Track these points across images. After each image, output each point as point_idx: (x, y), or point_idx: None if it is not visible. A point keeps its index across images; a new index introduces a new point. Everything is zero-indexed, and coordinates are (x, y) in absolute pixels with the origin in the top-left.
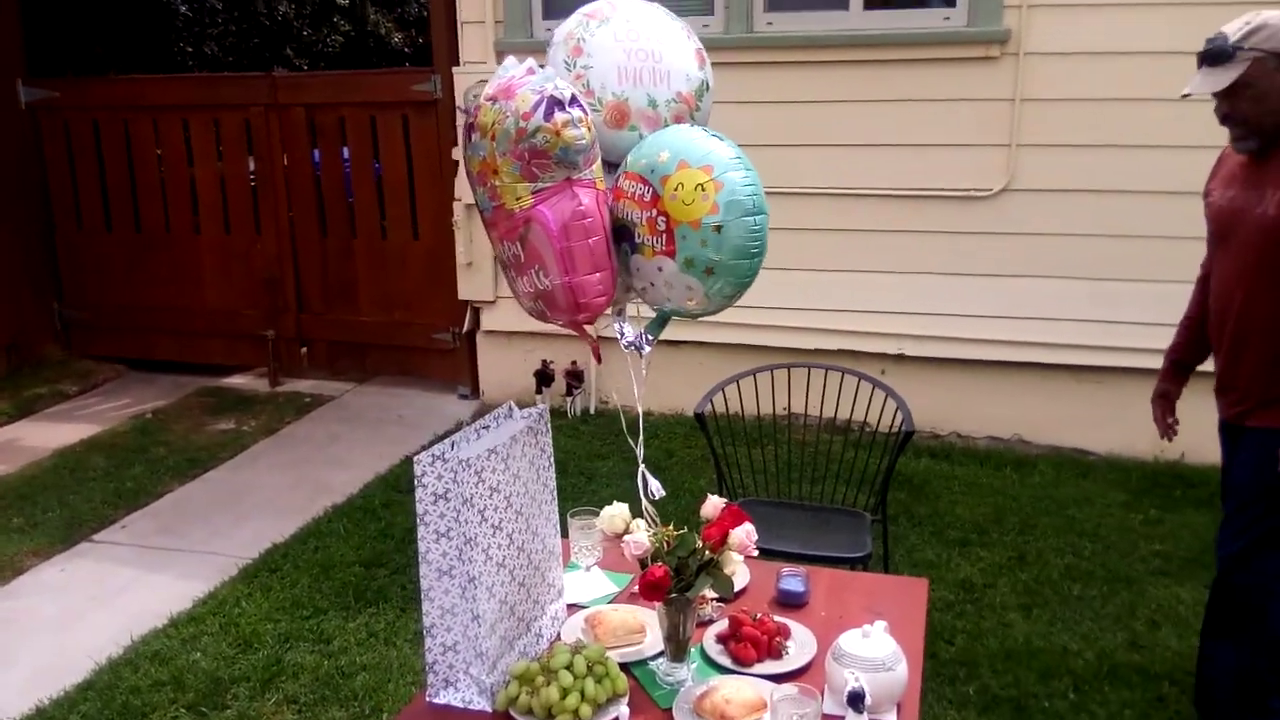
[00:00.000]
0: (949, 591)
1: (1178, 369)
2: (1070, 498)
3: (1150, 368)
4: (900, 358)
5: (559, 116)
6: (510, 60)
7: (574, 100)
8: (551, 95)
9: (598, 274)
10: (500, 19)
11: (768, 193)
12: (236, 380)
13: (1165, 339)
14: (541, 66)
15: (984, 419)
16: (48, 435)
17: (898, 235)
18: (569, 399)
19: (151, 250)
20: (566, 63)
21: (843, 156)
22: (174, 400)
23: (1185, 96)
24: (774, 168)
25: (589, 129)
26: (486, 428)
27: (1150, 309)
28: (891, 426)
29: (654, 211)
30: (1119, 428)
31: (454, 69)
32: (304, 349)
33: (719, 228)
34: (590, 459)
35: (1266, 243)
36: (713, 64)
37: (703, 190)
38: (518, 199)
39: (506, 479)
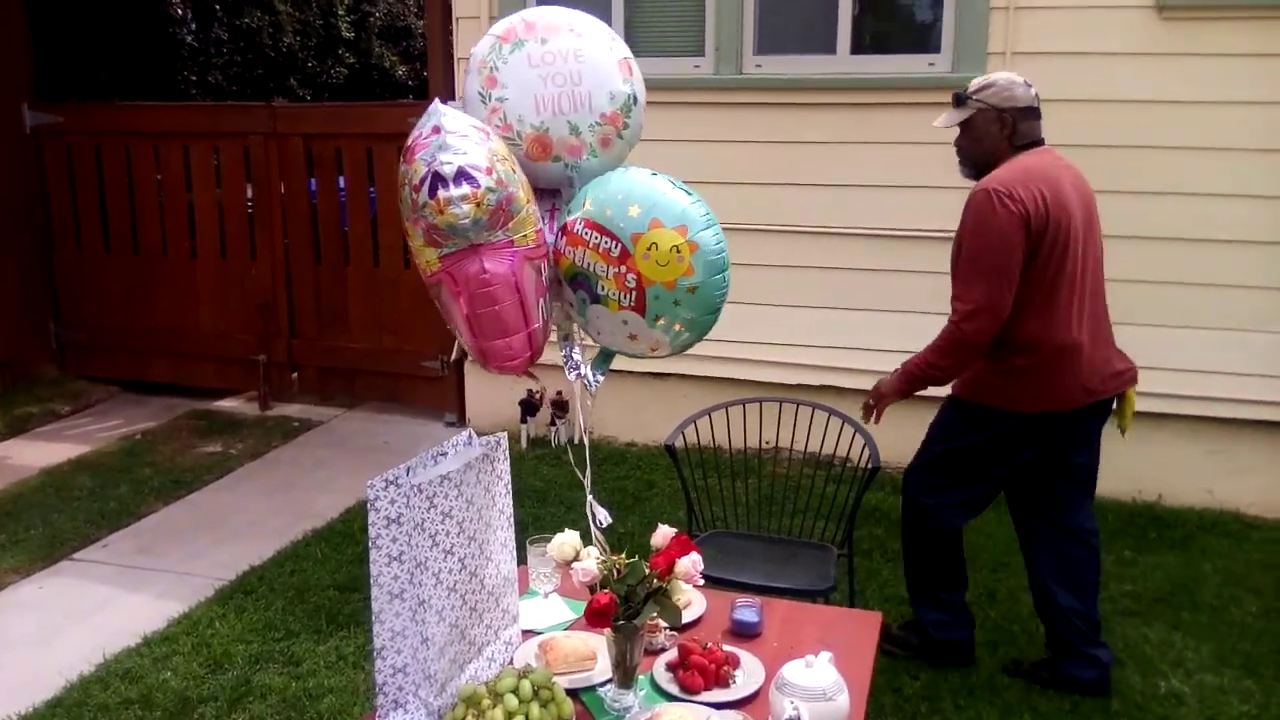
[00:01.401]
0: None
1: None
2: None
3: None
4: None
5: (441, 195)
6: (433, 106)
7: (460, 175)
8: (435, 171)
9: (507, 339)
10: None
11: (757, 230)
12: (227, 403)
13: (1145, 382)
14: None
15: None
16: (37, 454)
17: (883, 274)
18: (553, 428)
19: (149, 273)
20: (481, 95)
21: (829, 196)
22: (164, 422)
23: (934, 126)
24: (762, 206)
25: (477, 204)
26: (444, 454)
27: (1126, 349)
28: (860, 462)
29: (622, 268)
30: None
31: (450, 103)
32: (295, 374)
33: (694, 288)
34: (571, 488)
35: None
36: (703, 104)
37: (678, 252)
38: (427, 262)
39: (460, 505)
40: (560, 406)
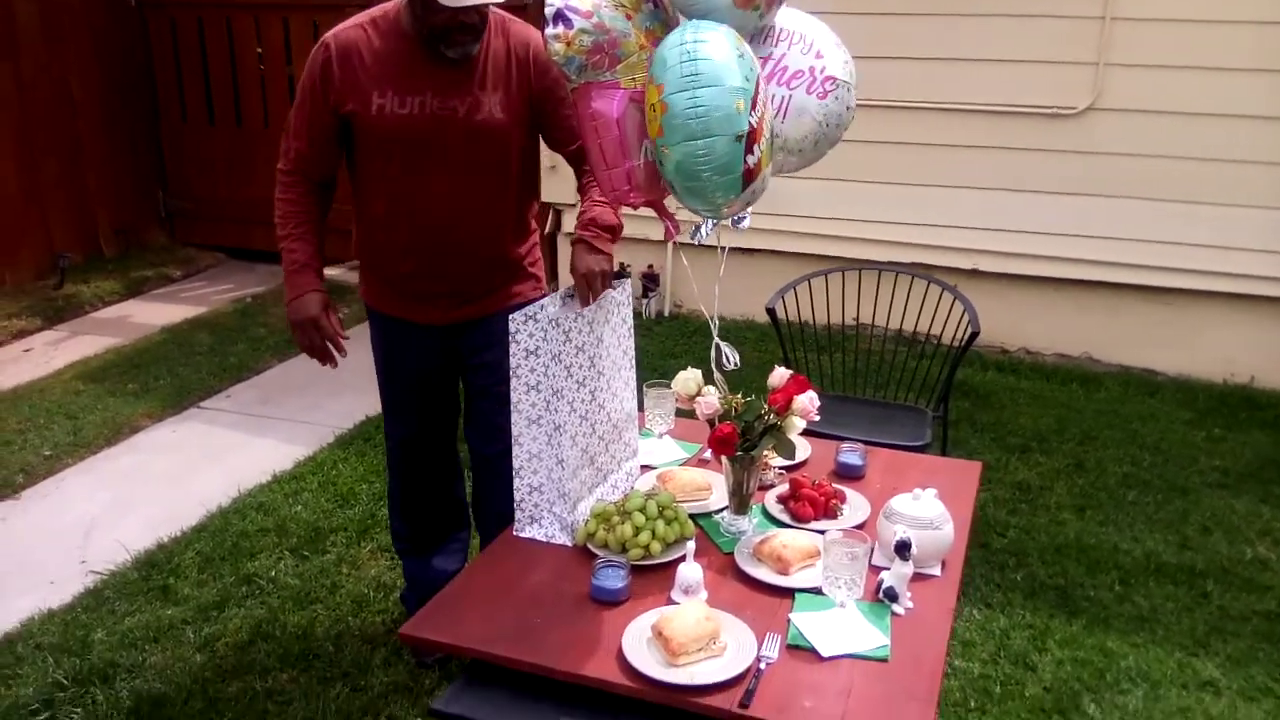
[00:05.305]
0: (1005, 491)
1: (319, 275)
2: (1135, 413)
3: (1222, 291)
4: (974, 273)
5: (548, 32)
6: None
7: (557, 17)
8: (544, 13)
9: (614, 169)
10: None
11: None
12: (330, 271)
13: (1239, 263)
14: None
15: (1054, 336)
16: (155, 313)
17: (978, 151)
18: (644, 300)
19: (251, 145)
20: None
21: (926, 70)
22: (272, 287)
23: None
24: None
25: (567, 44)
26: (571, 295)
27: (1225, 232)
28: (957, 332)
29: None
30: (1189, 350)
31: None
32: None
33: (668, 150)
34: (663, 358)
35: (487, 144)
36: None
37: (654, 110)
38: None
39: (591, 341)
40: (651, 279)
